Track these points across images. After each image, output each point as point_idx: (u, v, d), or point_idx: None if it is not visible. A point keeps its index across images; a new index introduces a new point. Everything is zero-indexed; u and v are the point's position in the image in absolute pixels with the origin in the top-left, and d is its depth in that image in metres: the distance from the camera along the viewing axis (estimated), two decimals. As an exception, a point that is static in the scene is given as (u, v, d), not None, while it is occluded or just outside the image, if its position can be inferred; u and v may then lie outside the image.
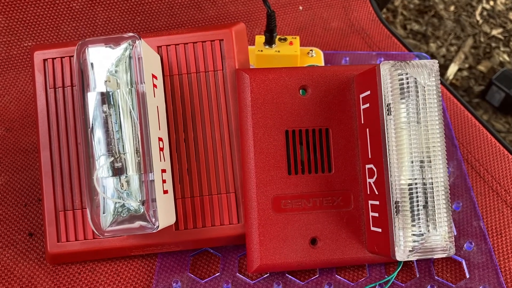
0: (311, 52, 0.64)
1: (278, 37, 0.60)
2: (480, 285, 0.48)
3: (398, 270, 0.48)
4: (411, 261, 0.49)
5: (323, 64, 0.63)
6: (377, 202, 0.44)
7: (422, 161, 0.40)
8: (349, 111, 0.48)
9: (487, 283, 0.48)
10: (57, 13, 0.68)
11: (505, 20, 1.30)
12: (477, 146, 0.59)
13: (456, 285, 0.48)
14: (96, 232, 0.41)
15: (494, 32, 1.28)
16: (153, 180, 0.41)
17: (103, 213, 0.41)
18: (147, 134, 0.41)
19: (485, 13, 1.31)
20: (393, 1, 1.31)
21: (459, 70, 1.21)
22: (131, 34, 0.42)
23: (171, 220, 0.46)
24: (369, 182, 0.45)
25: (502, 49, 1.24)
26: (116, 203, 0.41)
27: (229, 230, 0.47)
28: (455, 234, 0.51)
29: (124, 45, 0.41)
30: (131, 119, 0.41)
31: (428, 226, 0.40)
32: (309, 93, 0.48)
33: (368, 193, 0.45)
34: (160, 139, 0.44)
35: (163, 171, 0.44)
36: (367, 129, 0.45)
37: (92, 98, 0.41)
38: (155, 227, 0.41)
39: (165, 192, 0.44)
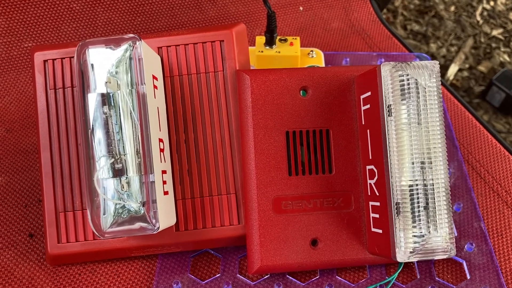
0: (311, 53, 0.64)
1: (278, 37, 0.60)
2: (481, 286, 0.47)
3: (399, 271, 0.48)
4: (411, 262, 0.49)
5: (323, 65, 0.63)
6: (377, 203, 0.44)
7: (422, 162, 0.40)
8: (350, 112, 0.48)
9: (488, 284, 0.47)
10: (57, 14, 0.68)
11: (506, 20, 1.30)
12: (477, 147, 0.59)
13: (457, 286, 0.48)
14: (97, 233, 0.41)
15: (495, 32, 1.28)
16: (154, 181, 0.41)
17: (104, 214, 0.41)
18: (147, 135, 0.41)
19: (485, 13, 1.31)
20: (394, 2, 1.31)
21: (460, 70, 1.21)
22: (131, 35, 0.41)
23: (172, 221, 0.46)
24: (370, 183, 0.45)
25: (502, 49, 1.24)
26: (116, 204, 0.41)
27: (230, 231, 0.47)
28: (456, 235, 0.51)
29: (124, 46, 0.41)
30: (131, 120, 0.41)
31: (428, 227, 0.40)
32: (310, 94, 0.48)
33: (369, 194, 0.45)
34: (160, 140, 0.44)
35: (164, 172, 0.44)
36: (368, 130, 0.45)
37: (93, 99, 0.41)
38: (155, 228, 0.41)
39: (166, 193, 0.44)
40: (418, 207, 0.40)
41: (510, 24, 1.29)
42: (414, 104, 0.40)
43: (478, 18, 1.30)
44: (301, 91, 0.48)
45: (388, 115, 0.41)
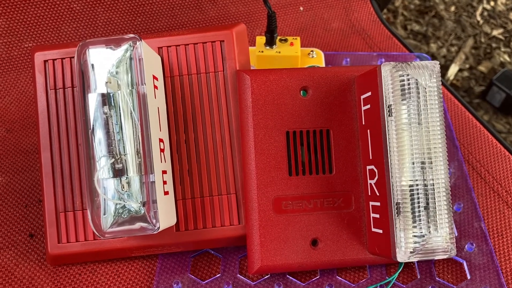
0: (311, 53, 0.64)
1: (278, 38, 0.60)
2: (481, 286, 0.47)
3: (399, 271, 0.48)
4: (412, 262, 0.49)
5: (323, 65, 0.63)
6: (378, 203, 0.44)
7: (423, 162, 0.40)
8: (350, 112, 0.48)
9: (488, 284, 0.47)
10: (57, 14, 0.68)
11: (506, 20, 1.30)
12: (478, 147, 0.59)
13: (457, 286, 0.48)
14: (97, 233, 0.41)
15: (495, 32, 1.28)
16: (154, 181, 0.41)
17: (104, 214, 0.41)
18: (147, 135, 0.41)
19: (485, 13, 1.31)
20: (394, 2, 1.31)
21: (460, 70, 1.21)
22: (132, 35, 0.41)
23: (172, 221, 0.46)
24: (370, 183, 0.45)
25: (502, 49, 1.24)
26: (116, 204, 0.41)
27: (230, 231, 0.47)
28: (456, 235, 0.51)
29: (125, 46, 0.41)
30: (131, 120, 0.41)
31: (429, 227, 0.40)
32: (310, 94, 0.48)
33: (369, 194, 0.45)
34: (161, 140, 0.44)
35: (164, 172, 0.44)
36: (368, 130, 0.45)
37: (93, 99, 0.41)
38: (155, 228, 0.41)
39: (166, 193, 0.44)
40: (419, 207, 0.40)
41: (510, 24, 1.29)
42: (414, 104, 0.40)
43: (479, 18, 1.30)
44: (301, 91, 0.48)
45: (389, 115, 0.41)
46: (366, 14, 0.79)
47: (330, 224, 0.47)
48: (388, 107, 0.41)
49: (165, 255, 0.50)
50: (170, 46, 0.49)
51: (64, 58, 0.49)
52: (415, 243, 0.40)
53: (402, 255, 0.40)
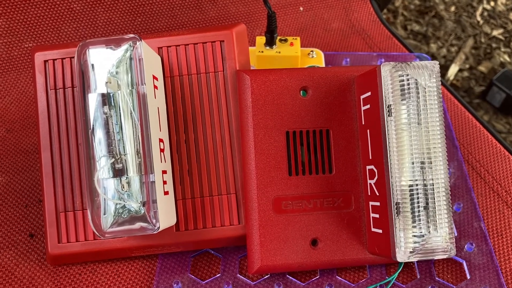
0: (311, 53, 0.64)
1: (278, 38, 0.60)
2: (481, 286, 0.48)
3: (399, 271, 0.48)
4: (411, 262, 0.49)
5: (323, 65, 0.63)
6: (377, 203, 0.44)
7: (422, 162, 0.40)
8: (350, 112, 0.48)
9: (488, 284, 0.48)
10: (57, 14, 0.68)
11: (506, 20, 1.30)
12: (477, 147, 0.59)
13: (457, 286, 0.48)
14: (97, 233, 0.41)
15: (495, 32, 1.28)
16: (154, 181, 0.41)
17: (104, 214, 0.41)
18: (147, 135, 0.41)
19: (485, 13, 1.31)
20: (394, 2, 1.31)
21: (460, 70, 1.21)
22: (132, 35, 0.42)
23: (172, 221, 0.46)
24: (370, 183, 0.45)
25: (502, 49, 1.24)
26: (116, 204, 0.41)
27: (230, 231, 0.47)
28: (456, 235, 0.51)
29: (125, 46, 0.41)
30: (131, 120, 0.41)
31: (428, 227, 0.40)
32: (310, 94, 0.48)
33: (369, 194, 0.45)
34: (160, 140, 0.44)
35: (164, 172, 0.44)
36: (368, 130, 0.45)
37: (93, 99, 0.41)
38: (155, 228, 0.41)
39: (166, 193, 0.44)
40: (418, 207, 0.40)
41: (510, 25, 1.29)
42: (414, 104, 0.40)
43: (479, 18, 1.30)
44: (301, 91, 0.48)
45: (388, 115, 0.41)
46: (366, 14, 0.79)
47: (330, 224, 0.47)
48: (388, 107, 0.41)
49: (165, 255, 0.50)
50: (170, 46, 0.49)
51: (64, 58, 0.49)
52: (414, 243, 0.40)
53: (402, 255, 0.40)
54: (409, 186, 0.40)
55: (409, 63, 0.41)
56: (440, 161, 0.41)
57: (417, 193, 0.40)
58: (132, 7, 0.71)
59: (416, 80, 0.41)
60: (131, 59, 0.41)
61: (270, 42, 0.59)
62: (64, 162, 0.48)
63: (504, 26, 1.29)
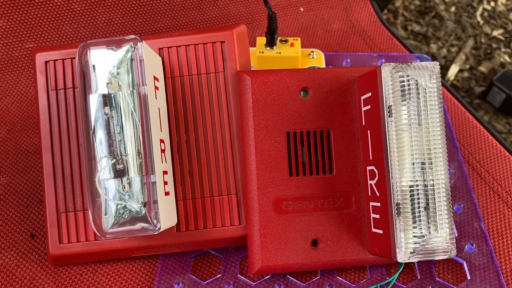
0: (312, 53, 0.64)
1: (279, 38, 0.60)
2: (482, 286, 0.48)
3: (399, 271, 0.48)
4: (412, 262, 0.49)
5: (324, 66, 0.63)
6: (378, 204, 0.44)
7: (423, 163, 0.40)
8: (350, 113, 0.48)
9: (488, 285, 0.48)
10: (58, 15, 0.68)
11: (506, 21, 1.30)
12: (478, 148, 0.59)
13: (457, 286, 0.48)
14: (98, 234, 0.41)
15: (495, 33, 1.28)
16: (155, 182, 0.41)
17: (105, 214, 0.41)
18: (148, 136, 0.41)
19: (486, 14, 1.31)
20: (394, 2, 1.31)
21: (460, 71, 1.21)
22: (132, 36, 0.42)
23: (173, 221, 0.46)
24: (370, 184, 0.45)
25: (503, 50, 1.24)
26: (117, 204, 0.41)
27: (231, 231, 0.48)
28: (456, 235, 0.51)
29: (125, 47, 0.42)
30: (132, 121, 0.41)
31: (429, 227, 0.40)
32: (310, 94, 0.48)
33: (369, 194, 0.45)
34: (161, 141, 0.45)
35: (165, 172, 0.44)
36: (368, 131, 0.45)
37: (94, 100, 0.41)
38: (156, 228, 0.41)
39: (167, 193, 0.44)
40: (419, 207, 0.40)
41: (510, 25, 1.29)
42: (414, 105, 0.40)
43: (479, 18, 1.30)
44: (301, 92, 0.48)
45: (389, 116, 0.41)
46: (366, 14, 0.79)
47: (331, 225, 0.47)
48: (388, 107, 0.41)
49: (166, 256, 0.50)
50: (171, 47, 0.49)
51: (65, 59, 0.49)
52: (415, 243, 0.40)
53: (402, 256, 0.40)
54: (410, 187, 0.40)
55: (409, 64, 0.41)
56: (441, 162, 0.41)
57: (418, 194, 0.40)
58: (133, 7, 0.71)
59: (416, 81, 0.41)
60: (132, 60, 0.42)
61: (270, 43, 0.59)
62: (65, 163, 0.48)
63: (504, 26, 1.29)
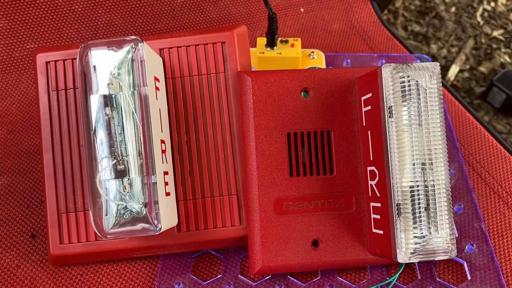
0: (312, 54, 0.64)
1: (279, 39, 0.60)
2: (482, 286, 0.48)
3: (400, 272, 0.48)
4: (412, 263, 0.49)
5: (324, 66, 0.63)
6: (378, 204, 0.44)
7: (423, 164, 0.40)
8: (351, 114, 0.48)
9: (489, 285, 0.48)
10: (58, 15, 0.68)
11: (506, 21, 1.30)
12: (478, 148, 0.60)
13: (458, 287, 0.48)
14: (99, 234, 0.41)
15: (495, 33, 1.28)
16: (156, 182, 0.41)
17: (106, 215, 0.41)
18: (149, 136, 0.41)
19: (486, 14, 1.31)
20: (394, 3, 1.31)
21: (460, 71, 1.21)
22: (133, 37, 0.42)
23: (173, 222, 0.46)
24: (371, 184, 0.45)
25: (503, 50, 1.24)
26: (118, 205, 0.41)
27: (231, 232, 0.48)
28: (457, 236, 0.51)
29: (126, 47, 0.42)
30: (133, 122, 0.41)
31: (429, 228, 0.40)
32: (311, 95, 0.48)
33: (370, 195, 0.45)
34: (162, 141, 0.45)
35: (165, 173, 0.44)
36: (369, 132, 0.45)
37: (95, 101, 0.41)
38: (157, 229, 0.41)
39: (168, 194, 0.44)
40: (419, 208, 0.40)
41: (510, 25, 1.29)
42: (415, 106, 0.41)
43: (479, 19, 1.30)
44: (302, 93, 0.48)
45: (389, 117, 0.41)
46: (367, 15, 0.79)
47: (331, 225, 0.47)
48: (389, 108, 0.41)
49: (166, 256, 0.50)
50: (171, 48, 0.49)
51: (66, 60, 0.49)
52: (415, 244, 0.40)
53: (403, 256, 0.40)
54: (410, 187, 0.40)
55: (410, 64, 0.41)
56: (441, 162, 0.41)
57: (418, 194, 0.40)
58: (133, 8, 0.71)
59: (417, 81, 0.41)
60: (133, 60, 0.42)
61: (271, 43, 0.59)
62: (65, 163, 0.48)
63: (505, 26, 1.29)
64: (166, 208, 0.43)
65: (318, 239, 0.47)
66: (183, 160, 0.48)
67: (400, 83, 0.41)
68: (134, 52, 0.42)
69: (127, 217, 0.41)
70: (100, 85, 0.41)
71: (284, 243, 0.46)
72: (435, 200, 0.40)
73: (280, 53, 0.59)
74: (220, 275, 0.48)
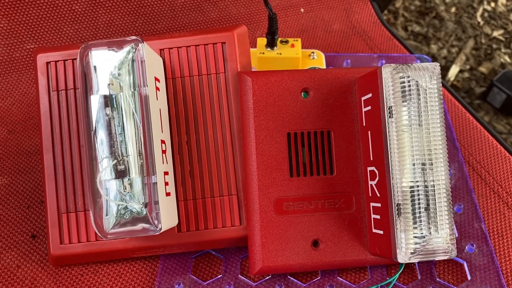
0: (312, 54, 0.64)
1: (279, 39, 0.60)
2: (482, 287, 0.48)
3: (400, 272, 0.48)
4: (412, 263, 0.50)
5: (324, 67, 0.64)
6: (378, 204, 0.44)
7: (423, 164, 0.40)
8: (351, 114, 0.48)
9: (489, 285, 0.48)
10: (59, 16, 0.68)
11: (506, 21, 1.30)
12: (478, 148, 0.60)
13: (458, 287, 0.48)
14: (99, 234, 0.41)
15: (495, 33, 1.28)
16: (156, 183, 0.41)
17: (106, 215, 0.41)
18: (149, 136, 0.41)
19: (486, 14, 1.31)
20: (394, 3, 1.31)
21: (460, 71, 1.21)
22: (134, 37, 0.42)
23: (174, 222, 0.46)
24: (371, 184, 0.45)
25: (503, 50, 1.25)
26: (119, 205, 0.41)
27: (231, 232, 0.48)
28: (457, 236, 0.51)
29: (127, 48, 0.42)
30: (134, 122, 0.41)
31: (429, 228, 0.40)
32: (311, 95, 0.48)
33: (370, 195, 0.46)
34: (162, 142, 0.45)
35: (166, 173, 0.44)
36: (369, 132, 0.45)
37: (95, 101, 0.41)
38: (157, 229, 0.41)
39: (168, 194, 0.44)
40: (419, 208, 0.40)
41: (510, 25, 1.29)
42: (415, 106, 0.41)
43: (479, 19, 1.30)
44: (302, 93, 0.48)
45: (389, 117, 0.41)
46: (367, 15, 0.79)
47: (331, 225, 0.47)
48: (389, 108, 0.41)
49: (166, 256, 0.50)
50: (171, 48, 0.49)
51: (66, 60, 0.49)
52: (415, 244, 0.40)
53: (403, 256, 0.40)
54: (410, 187, 0.40)
55: (410, 64, 0.41)
56: (441, 162, 0.41)
57: (418, 194, 0.40)
58: (133, 8, 0.71)
59: (417, 81, 0.41)
60: (133, 61, 0.42)
61: (271, 44, 0.59)
62: (66, 164, 0.48)
63: (505, 27, 1.29)
64: (166, 208, 0.43)
65: (318, 239, 0.47)
66: (183, 160, 0.48)
67: (400, 84, 0.41)
68: (135, 52, 0.42)
69: (127, 217, 0.41)
70: (101, 86, 0.41)
71: (284, 243, 0.46)
72: (435, 200, 0.40)
73: (280, 54, 0.59)
74: (220, 275, 0.49)
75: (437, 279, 0.48)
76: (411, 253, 0.40)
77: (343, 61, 0.69)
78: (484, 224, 0.52)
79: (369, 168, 0.45)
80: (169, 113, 0.48)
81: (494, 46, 1.25)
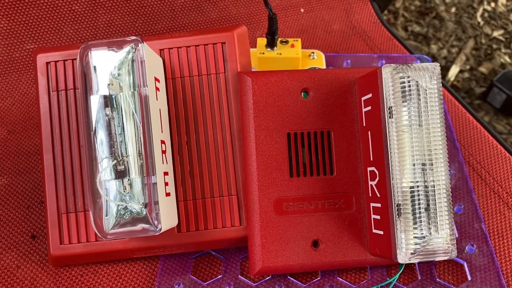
0: (312, 54, 0.64)
1: (279, 39, 0.60)
2: (482, 287, 0.48)
3: (400, 272, 0.48)
4: (412, 263, 0.49)
5: (324, 67, 0.63)
6: (379, 205, 0.44)
7: (423, 164, 0.40)
8: (351, 114, 0.48)
9: (489, 285, 0.48)
10: (58, 16, 0.68)
11: (506, 21, 1.30)
12: (478, 148, 0.60)
13: (458, 287, 0.48)
14: (99, 235, 0.41)
15: (495, 33, 1.28)
16: (156, 183, 0.41)
17: (106, 215, 0.41)
18: (149, 136, 0.41)
19: (486, 14, 1.31)
20: (394, 3, 1.31)
21: (460, 71, 1.21)
22: (134, 37, 0.42)
23: (174, 222, 0.46)
24: (371, 185, 0.45)
25: (503, 50, 1.25)
26: (118, 205, 0.41)
27: (231, 232, 0.48)
28: (457, 236, 0.51)
29: (127, 48, 0.42)
30: (133, 122, 0.41)
31: (430, 228, 0.40)
32: (311, 95, 0.48)
33: (370, 195, 0.45)
34: (162, 142, 0.45)
35: (166, 173, 0.44)
36: (369, 132, 0.45)
37: (95, 101, 0.41)
38: (157, 229, 0.41)
39: (168, 194, 0.44)
40: (419, 208, 0.40)
41: (510, 25, 1.29)
42: (415, 106, 0.41)
43: (479, 19, 1.30)
44: (302, 93, 0.48)
45: (389, 117, 0.41)
46: (367, 15, 0.79)
47: (331, 225, 0.47)
48: (389, 108, 0.41)
49: (166, 256, 0.50)
50: (171, 48, 0.49)
51: (66, 60, 0.49)
52: (415, 244, 0.40)
53: (403, 256, 0.40)
54: (410, 188, 0.40)
55: (410, 65, 0.41)
56: (441, 163, 0.41)
57: (418, 195, 0.40)
58: (133, 8, 0.71)
59: (417, 82, 0.41)
60: (133, 61, 0.42)
61: (271, 44, 0.59)
62: (66, 164, 0.48)
63: (505, 27, 1.29)
64: (166, 208, 0.43)
65: (318, 239, 0.47)
66: (183, 160, 0.48)
67: (400, 84, 0.41)
68: (134, 52, 0.42)
69: (127, 217, 0.41)
70: (101, 86, 0.41)
71: (284, 243, 0.46)
72: (435, 201, 0.40)
73: (280, 54, 0.59)
74: (220, 276, 0.49)
75: (437, 279, 0.48)
76: (411, 253, 0.40)
77: (343, 61, 0.69)
78: (484, 224, 0.52)
79: (369, 168, 0.45)
80: (169, 113, 0.48)
81: (494, 46, 1.25)
